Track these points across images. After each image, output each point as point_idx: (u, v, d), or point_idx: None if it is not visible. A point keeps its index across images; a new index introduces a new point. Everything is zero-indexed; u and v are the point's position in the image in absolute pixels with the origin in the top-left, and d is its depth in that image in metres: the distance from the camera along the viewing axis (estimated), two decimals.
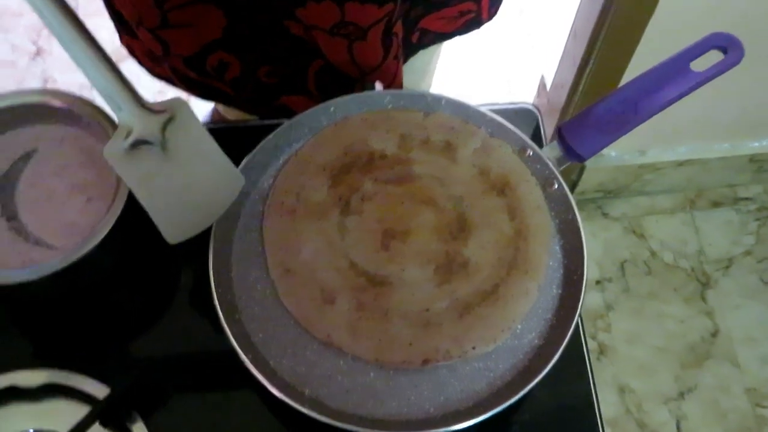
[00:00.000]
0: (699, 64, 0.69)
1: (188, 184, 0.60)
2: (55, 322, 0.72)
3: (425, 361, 0.63)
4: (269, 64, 0.77)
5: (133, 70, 0.87)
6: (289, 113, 0.84)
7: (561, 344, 0.62)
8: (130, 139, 0.56)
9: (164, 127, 0.57)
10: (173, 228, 0.61)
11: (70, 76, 1.84)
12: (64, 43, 0.51)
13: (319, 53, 0.74)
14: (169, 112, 0.57)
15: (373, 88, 0.77)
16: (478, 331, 0.64)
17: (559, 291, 0.67)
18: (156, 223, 0.59)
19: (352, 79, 0.78)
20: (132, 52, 0.85)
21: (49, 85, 1.84)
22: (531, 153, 0.71)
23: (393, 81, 0.80)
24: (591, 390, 0.71)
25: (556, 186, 0.70)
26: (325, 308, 0.65)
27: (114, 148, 0.56)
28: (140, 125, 0.56)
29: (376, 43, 0.73)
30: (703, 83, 0.69)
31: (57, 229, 0.68)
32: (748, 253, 1.72)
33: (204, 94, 0.85)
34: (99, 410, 0.63)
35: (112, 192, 0.67)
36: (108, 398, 0.64)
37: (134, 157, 0.57)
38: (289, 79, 0.79)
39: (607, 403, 1.54)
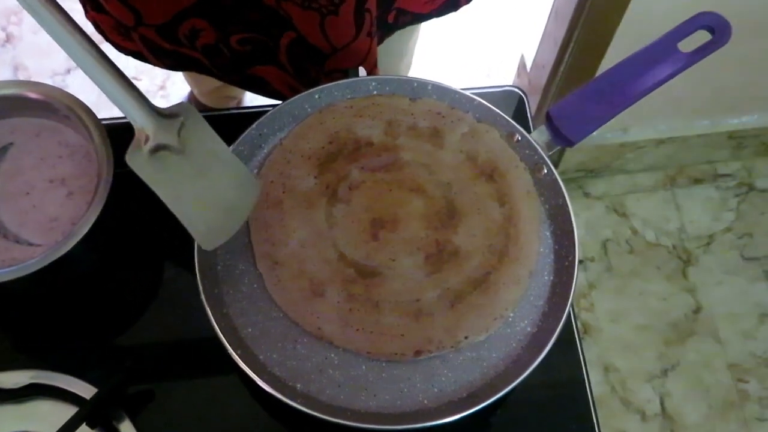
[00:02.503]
0: (686, 45, 0.68)
1: (210, 187, 0.60)
2: (38, 320, 0.70)
3: (418, 353, 0.62)
4: (242, 32, 0.76)
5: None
6: (262, 83, 0.83)
7: (554, 332, 0.62)
8: (150, 145, 0.55)
9: (179, 132, 0.57)
10: (206, 233, 0.60)
11: (41, 63, 1.81)
12: (74, 56, 0.52)
13: (291, 25, 0.73)
14: (181, 117, 0.57)
15: (356, 74, 0.76)
16: (470, 320, 0.64)
17: (551, 277, 0.67)
18: (189, 230, 0.59)
19: (323, 54, 0.76)
20: (98, 28, 0.83)
21: (20, 73, 1.80)
22: (519, 138, 0.70)
23: (365, 59, 0.78)
24: (582, 370, 0.72)
25: (546, 171, 0.69)
26: (315, 300, 0.64)
27: (135, 156, 0.56)
28: (157, 131, 0.56)
29: (349, 18, 0.72)
30: (692, 64, 0.68)
31: (37, 225, 0.66)
32: (728, 229, 1.73)
33: (176, 65, 0.84)
34: (86, 411, 0.62)
35: (92, 186, 0.65)
36: (95, 398, 0.63)
37: (156, 164, 0.56)
38: (262, 48, 0.78)
39: (591, 382, 1.55)
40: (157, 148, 0.56)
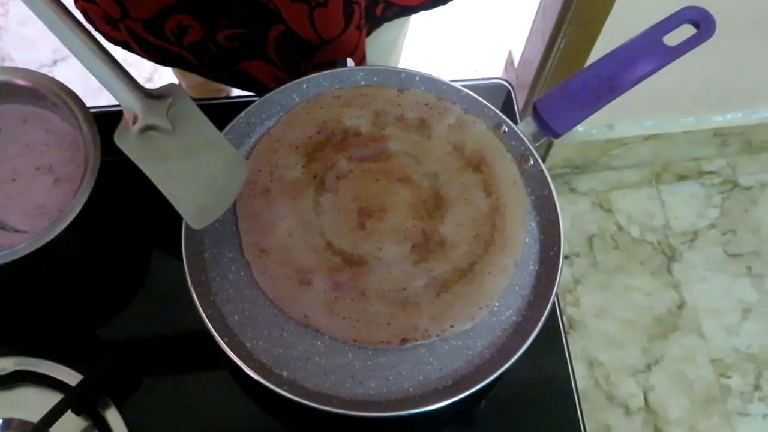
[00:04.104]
0: (671, 38, 0.68)
1: (199, 167, 0.61)
2: (23, 307, 0.70)
3: (404, 341, 0.63)
4: (229, 28, 0.76)
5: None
6: (249, 79, 0.83)
7: (539, 321, 0.62)
8: (139, 125, 0.56)
9: (167, 113, 0.57)
10: (195, 213, 0.60)
11: (27, 54, 1.80)
12: (61, 36, 0.52)
13: (279, 18, 0.73)
14: (170, 98, 0.58)
15: (345, 64, 0.76)
16: (456, 309, 0.64)
17: (536, 267, 0.67)
18: (178, 209, 0.59)
19: (313, 46, 0.77)
20: (87, 17, 0.83)
21: (7, 64, 1.79)
22: (506, 129, 0.70)
23: (354, 52, 0.79)
24: (567, 363, 0.72)
25: (532, 162, 0.69)
26: (302, 289, 0.64)
27: (124, 136, 0.56)
28: (145, 111, 0.56)
29: (337, 11, 0.72)
30: (676, 58, 0.69)
31: (23, 212, 0.66)
32: (712, 225, 1.75)
33: (162, 60, 0.84)
34: (71, 398, 0.62)
35: (79, 173, 0.65)
36: (80, 385, 0.63)
37: (144, 144, 0.57)
38: (250, 43, 0.78)
39: (576, 377, 1.56)
40: (146, 129, 0.57)
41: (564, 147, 1.63)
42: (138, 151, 0.57)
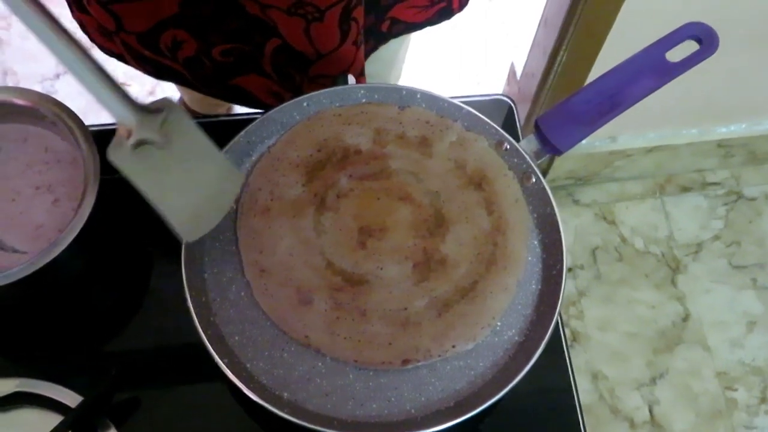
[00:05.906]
0: (673, 54, 0.68)
1: (193, 180, 0.60)
2: (23, 328, 0.70)
3: (405, 361, 0.62)
4: (225, 43, 0.76)
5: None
6: (243, 94, 0.83)
7: (542, 341, 0.61)
8: (132, 140, 0.55)
9: (161, 127, 0.57)
10: (188, 226, 0.60)
11: (29, 67, 1.80)
12: (53, 49, 0.51)
13: (275, 32, 0.73)
14: (164, 112, 0.57)
15: (345, 82, 0.76)
16: (457, 329, 0.63)
17: (539, 286, 0.67)
18: (170, 222, 0.59)
19: (308, 60, 0.77)
20: (83, 28, 0.84)
21: (9, 78, 1.79)
22: (508, 146, 0.70)
23: (351, 67, 0.79)
24: (569, 377, 0.72)
25: (534, 180, 0.69)
26: (302, 309, 0.63)
27: (117, 151, 0.56)
28: (139, 126, 0.56)
29: (333, 25, 0.72)
30: (679, 74, 0.69)
31: (23, 232, 0.66)
32: (717, 237, 1.74)
33: (156, 73, 0.84)
34: (71, 420, 0.61)
35: (79, 192, 0.65)
36: (80, 407, 0.62)
37: (138, 159, 0.56)
38: (245, 58, 0.78)
39: (580, 390, 1.54)
40: (140, 143, 0.56)
41: (567, 159, 1.63)
42: (130, 166, 0.56)
